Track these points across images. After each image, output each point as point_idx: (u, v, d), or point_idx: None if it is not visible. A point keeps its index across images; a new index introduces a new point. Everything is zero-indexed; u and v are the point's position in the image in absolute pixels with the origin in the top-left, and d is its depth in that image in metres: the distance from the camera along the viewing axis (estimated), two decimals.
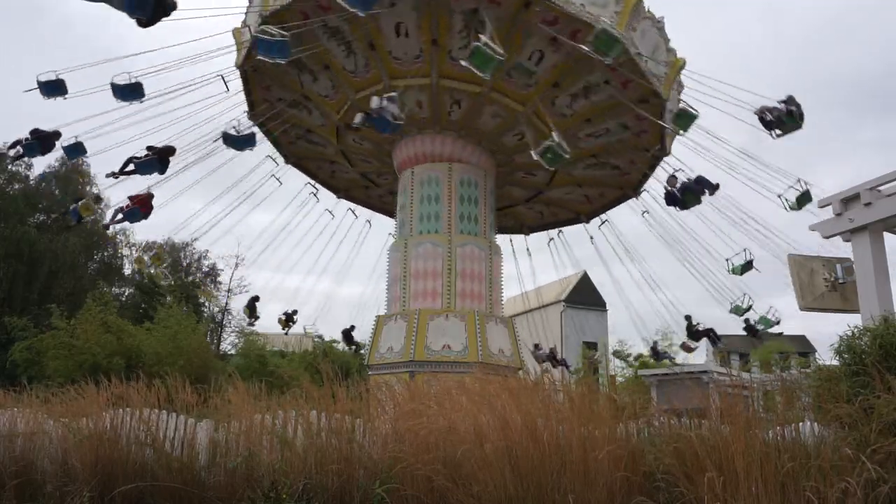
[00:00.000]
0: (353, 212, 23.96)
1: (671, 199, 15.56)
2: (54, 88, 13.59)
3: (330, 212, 23.15)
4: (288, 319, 22.21)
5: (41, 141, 14.21)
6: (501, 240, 21.25)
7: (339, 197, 23.71)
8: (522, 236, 24.60)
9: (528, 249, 24.18)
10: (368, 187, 23.10)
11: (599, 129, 18.12)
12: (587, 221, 22.87)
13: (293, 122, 19.31)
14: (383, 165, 20.66)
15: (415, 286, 17.77)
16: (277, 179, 21.03)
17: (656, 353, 22.49)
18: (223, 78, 16.27)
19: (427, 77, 16.37)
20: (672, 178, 15.61)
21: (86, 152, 15.72)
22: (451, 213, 18.11)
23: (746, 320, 18.23)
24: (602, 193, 21.67)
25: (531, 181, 20.84)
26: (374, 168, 21.25)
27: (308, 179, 22.94)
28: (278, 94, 18.47)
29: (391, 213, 24.20)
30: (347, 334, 23.01)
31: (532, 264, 37.17)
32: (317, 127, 19.83)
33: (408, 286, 17.88)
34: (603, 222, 22.21)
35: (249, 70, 17.44)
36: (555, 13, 14.15)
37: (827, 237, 10.53)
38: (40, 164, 35.31)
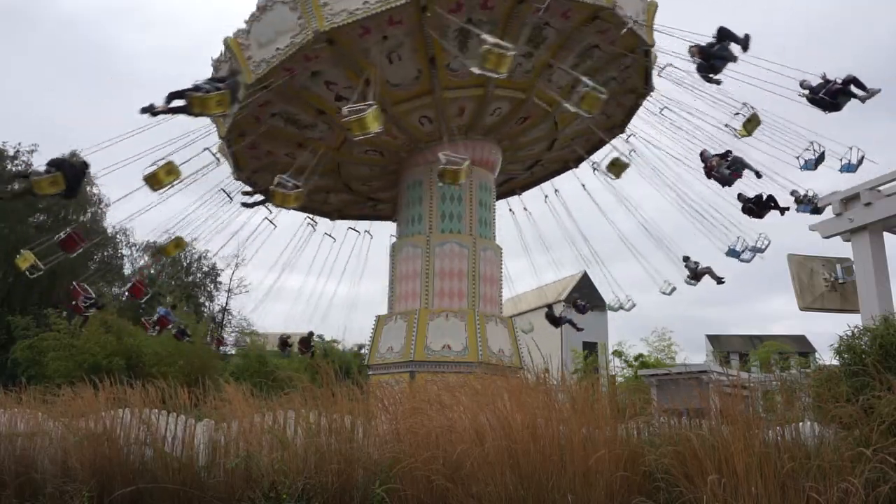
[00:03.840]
0: (353, 229, 23.90)
1: (820, 103, 13.49)
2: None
3: (330, 235, 23.12)
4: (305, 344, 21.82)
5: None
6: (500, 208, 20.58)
7: (333, 219, 23.58)
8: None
9: (525, 209, 23.46)
10: (367, 203, 23.05)
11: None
12: (576, 166, 22.27)
13: (287, 169, 17.17)
14: (387, 183, 20.63)
15: (398, 288, 17.94)
16: (271, 222, 20.76)
17: (695, 274, 18.86)
18: (210, 153, 16.41)
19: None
20: (817, 83, 13.58)
21: None
22: (432, 212, 17.98)
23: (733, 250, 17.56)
24: (588, 139, 21.15)
25: (532, 154, 20.53)
26: (377, 186, 21.23)
27: (303, 214, 22.65)
28: (269, 147, 17.81)
29: (390, 217, 24.41)
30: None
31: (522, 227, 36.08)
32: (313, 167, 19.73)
33: (395, 288, 18.08)
34: (595, 166, 21.14)
35: (238, 140, 16.98)
36: None
37: (827, 237, 10.53)
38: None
